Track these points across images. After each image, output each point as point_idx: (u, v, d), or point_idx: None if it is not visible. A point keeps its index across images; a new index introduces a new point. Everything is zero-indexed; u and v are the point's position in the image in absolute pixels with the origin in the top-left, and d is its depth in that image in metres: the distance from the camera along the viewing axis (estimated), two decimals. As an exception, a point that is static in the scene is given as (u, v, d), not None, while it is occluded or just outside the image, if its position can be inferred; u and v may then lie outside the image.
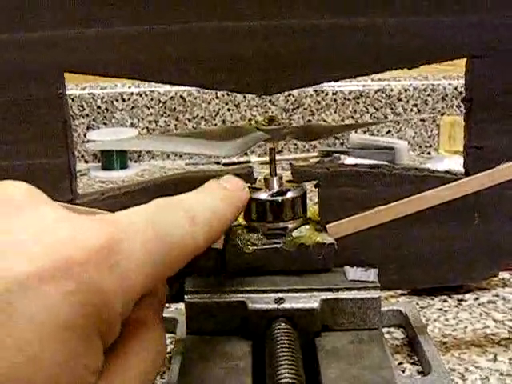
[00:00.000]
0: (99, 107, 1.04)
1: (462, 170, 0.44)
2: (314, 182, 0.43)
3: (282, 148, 1.03)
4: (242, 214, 0.44)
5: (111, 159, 1.00)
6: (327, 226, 0.43)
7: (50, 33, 0.40)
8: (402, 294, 0.55)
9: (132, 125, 1.04)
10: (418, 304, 0.54)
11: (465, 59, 0.43)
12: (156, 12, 0.40)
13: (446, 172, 0.44)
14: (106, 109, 1.04)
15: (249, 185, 0.43)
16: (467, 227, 0.44)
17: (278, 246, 0.42)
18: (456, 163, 0.82)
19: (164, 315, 0.50)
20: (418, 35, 0.41)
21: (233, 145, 0.42)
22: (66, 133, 0.42)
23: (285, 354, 0.36)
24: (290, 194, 0.43)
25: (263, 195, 0.43)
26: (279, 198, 0.42)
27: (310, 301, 0.40)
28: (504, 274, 0.58)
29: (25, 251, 0.25)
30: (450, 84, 1.01)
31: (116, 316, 0.27)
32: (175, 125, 1.04)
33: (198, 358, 0.38)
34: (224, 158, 0.97)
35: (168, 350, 0.48)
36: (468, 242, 0.44)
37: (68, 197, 0.42)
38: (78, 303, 0.25)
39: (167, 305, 0.51)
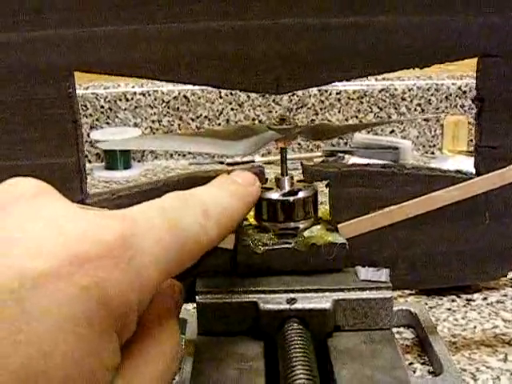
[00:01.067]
0: (102, 107, 1.04)
1: (467, 170, 0.44)
2: (325, 182, 0.43)
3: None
4: (253, 214, 0.43)
5: (115, 159, 1.00)
6: (338, 225, 0.43)
7: (60, 32, 0.40)
8: (411, 294, 0.55)
9: (135, 124, 1.04)
10: (426, 304, 0.54)
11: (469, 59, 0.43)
12: (168, 11, 0.40)
13: (457, 171, 0.44)
14: (110, 108, 1.04)
15: (260, 184, 0.43)
16: (477, 227, 0.44)
17: (290, 246, 0.42)
18: (460, 163, 0.82)
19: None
20: (430, 34, 0.41)
21: (244, 144, 0.42)
22: (76, 132, 0.42)
23: (299, 354, 0.35)
24: (301, 194, 0.42)
25: (274, 195, 0.42)
26: (290, 198, 0.42)
27: (322, 301, 0.40)
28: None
29: (39, 247, 0.25)
30: (453, 84, 1.01)
31: (132, 312, 0.27)
32: (179, 124, 1.04)
33: (210, 359, 0.38)
34: (234, 157, 0.97)
35: (177, 350, 0.48)
36: (478, 242, 0.44)
37: (78, 196, 0.42)
38: (94, 299, 0.25)
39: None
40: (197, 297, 0.40)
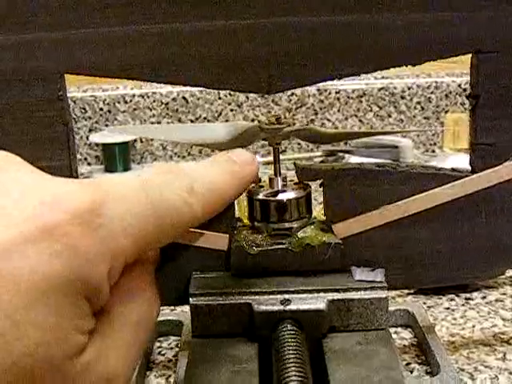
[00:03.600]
0: (101, 109, 1.04)
1: (468, 168, 0.44)
2: (319, 182, 0.43)
3: (286, 148, 1.02)
4: (247, 214, 0.43)
5: (114, 161, 1.00)
6: (333, 225, 0.42)
7: (50, 34, 0.40)
8: (409, 294, 0.55)
9: (134, 126, 1.04)
10: (425, 303, 0.53)
11: (468, 56, 0.42)
12: (158, 13, 0.39)
13: (453, 169, 0.44)
14: (109, 111, 1.04)
15: (253, 185, 0.42)
16: (474, 225, 0.44)
17: (284, 246, 0.41)
18: (461, 161, 0.81)
19: (169, 318, 0.50)
20: (423, 32, 0.40)
21: (232, 138, 0.42)
22: (68, 135, 0.41)
23: (292, 356, 0.35)
24: (294, 194, 0.42)
25: (267, 195, 0.42)
26: (284, 198, 0.42)
27: (316, 302, 0.39)
28: (511, 272, 0.57)
29: (7, 216, 0.25)
30: (453, 81, 1.01)
31: (102, 278, 0.27)
32: (178, 126, 1.03)
33: (205, 361, 0.38)
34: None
35: (173, 352, 0.48)
36: (474, 240, 0.43)
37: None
38: (63, 265, 0.25)
39: (172, 307, 0.51)
40: (190, 299, 0.40)
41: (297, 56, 0.40)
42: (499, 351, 0.46)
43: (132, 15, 0.40)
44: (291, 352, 0.36)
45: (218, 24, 0.40)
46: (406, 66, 0.41)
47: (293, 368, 0.34)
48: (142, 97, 1.03)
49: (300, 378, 0.33)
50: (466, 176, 0.43)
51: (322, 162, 0.97)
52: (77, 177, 0.43)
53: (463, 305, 0.53)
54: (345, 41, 0.40)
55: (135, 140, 1.03)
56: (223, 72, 0.40)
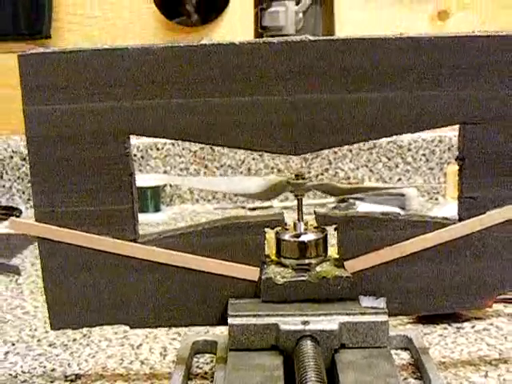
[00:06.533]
0: (135, 155, 1.14)
1: (456, 217, 0.53)
2: (334, 226, 0.52)
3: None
4: (274, 252, 0.53)
5: (146, 203, 1.09)
6: (345, 262, 0.52)
7: (122, 103, 0.50)
8: (409, 323, 0.64)
9: (165, 172, 1.14)
10: (422, 331, 0.62)
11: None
12: (209, 88, 0.49)
13: (444, 218, 0.53)
14: (142, 157, 1.14)
15: (280, 228, 0.52)
16: (460, 264, 0.53)
17: (304, 278, 0.51)
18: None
19: (205, 338, 0.59)
20: (419, 107, 0.50)
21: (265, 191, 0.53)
22: (131, 184, 0.51)
23: (311, 363, 0.45)
24: (313, 236, 0.52)
25: (292, 237, 0.52)
26: (305, 239, 0.52)
27: (330, 323, 0.49)
28: (498, 306, 0.67)
29: None
30: (455, 136, 1.10)
31: None
32: (204, 172, 1.14)
33: (240, 369, 0.47)
34: (254, 202, 1.06)
35: (209, 366, 0.57)
36: (460, 276, 0.53)
37: (132, 236, 0.51)
38: None
39: (207, 329, 0.60)
40: (229, 319, 0.50)
41: (317, 125, 0.50)
42: (482, 370, 0.55)
43: (187, 90, 0.50)
44: (311, 361, 0.45)
45: (254, 99, 0.50)
46: (406, 133, 0.51)
47: (312, 373, 0.44)
48: (173, 145, 1.14)
49: (318, 379, 0.42)
50: (454, 223, 0.52)
51: (334, 207, 1.07)
52: (137, 217, 0.52)
53: (454, 332, 0.62)
54: (357, 114, 0.50)
55: (165, 184, 1.13)
56: (258, 137, 0.50)
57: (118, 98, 0.50)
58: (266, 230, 0.51)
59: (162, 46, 0.49)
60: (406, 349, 0.59)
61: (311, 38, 0.49)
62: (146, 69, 0.49)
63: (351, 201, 1.08)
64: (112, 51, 0.49)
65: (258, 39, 0.50)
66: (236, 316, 0.50)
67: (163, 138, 0.51)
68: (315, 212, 0.52)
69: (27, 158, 0.51)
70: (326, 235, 0.53)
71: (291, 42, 0.48)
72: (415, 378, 0.54)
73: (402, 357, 0.58)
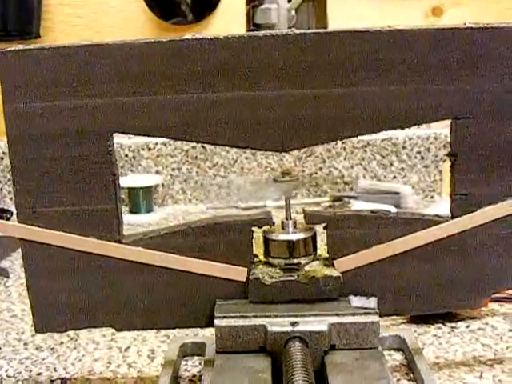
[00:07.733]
0: (127, 155, 1.13)
1: (449, 214, 0.52)
2: (323, 225, 0.51)
3: (296, 193, 1.11)
4: (262, 251, 0.52)
5: (138, 203, 1.08)
6: (334, 261, 0.51)
7: (104, 100, 0.48)
8: (402, 323, 0.63)
9: (157, 172, 1.13)
10: (415, 331, 0.61)
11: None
12: (193, 84, 0.48)
13: (435, 215, 0.52)
14: (133, 157, 1.13)
15: (268, 226, 0.51)
16: (452, 262, 0.52)
17: (293, 278, 0.50)
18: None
19: (193, 340, 0.58)
20: (409, 101, 0.49)
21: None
22: (115, 183, 0.50)
23: (299, 365, 0.43)
24: (302, 235, 0.51)
25: (280, 236, 0.51)
26: (294, 238, 0.50)
27: (319, 324, 0.48)
28: (494, 305, 0.65)
29: None
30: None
31: None
32: (196, 172, 1.12)
33: (227, 371, 0.46)
34: (247, 202, 1.05)
35: (197, 369, 0.56)
36: (454, 274, 0.52)
37: (116, 236, 0.50)
38: None
39: (195, 332, 0.59)
40: (216, 321, 0.48)
41: (305, 121, 0.49)
42: (477, 370, 0.54)
43: (171, 86, 0.48)
44: (298, 363, 0.44)
45: (239, 94, 0.49)
46: (396, 129, 0.50)
47: (299, 376, 0.42)
48: (164, 144, 1.13)
49: (305, 380, 0.41)
50: (446, 221, 0.51)
51: (329, 206, 1.06)
52: (121, 217, 0.51)
53: (449, 332, 0.61)
54: (345, 109, 0.49)
55: (157, 185, 1.12)
56: (244, 133, 0.49)
57: (101, 95, 0.49)
58: (253, 229, 0.50)
59: (145, 42, 0.48)
60: (399, 349, 0.58)
61: (297, 31, 0.48)
62: (129, 65, 0.48)
63: (346, 199, 1.07)
64: (93, 47, 0.48)
65: (243, 33, 0.48)
66: (223, 317, 0.49)
67: (147, 135, 0.50)
68: (304, 210, 0.51)
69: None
70: (315, 234, 0.51)
71: (276, 36, 0.47)
72: (408, 380, 0.53)
73: (395, 358, 0.57)
